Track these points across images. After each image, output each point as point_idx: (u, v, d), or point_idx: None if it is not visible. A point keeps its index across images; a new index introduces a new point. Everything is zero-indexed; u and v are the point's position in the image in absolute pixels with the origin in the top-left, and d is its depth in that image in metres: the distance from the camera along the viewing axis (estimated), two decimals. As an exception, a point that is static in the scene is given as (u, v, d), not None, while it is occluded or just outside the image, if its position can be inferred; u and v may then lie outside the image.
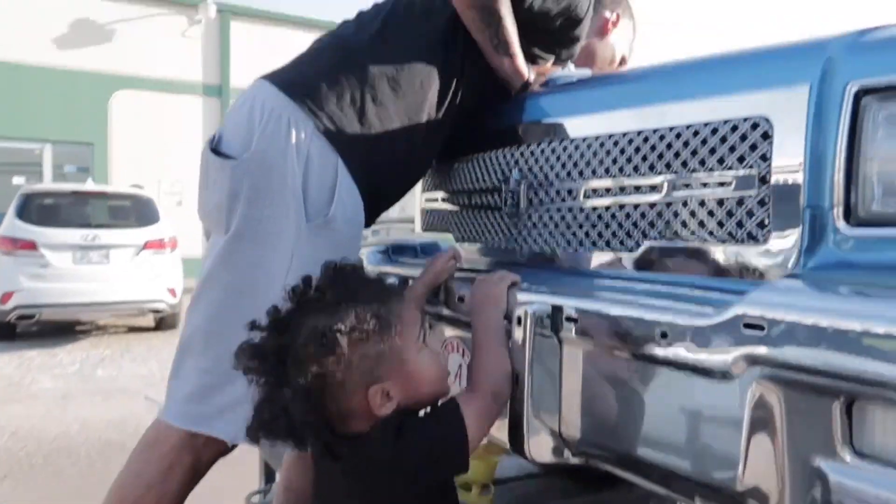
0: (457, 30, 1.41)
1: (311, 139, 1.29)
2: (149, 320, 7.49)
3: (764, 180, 0.97)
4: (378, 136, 1.34)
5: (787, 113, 0.95)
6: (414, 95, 1.37)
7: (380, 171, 1.37)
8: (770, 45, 1.09)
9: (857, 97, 0.89)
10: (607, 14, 1.85)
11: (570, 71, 1.46)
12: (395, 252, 1.84)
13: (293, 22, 13.14)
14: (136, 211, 7.38)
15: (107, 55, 11.81)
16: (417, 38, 1.40)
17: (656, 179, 1.10)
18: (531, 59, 1.47)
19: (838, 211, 0.91)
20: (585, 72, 1.42)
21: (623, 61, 1.94)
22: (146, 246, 6.97)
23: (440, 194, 1.66)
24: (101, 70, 11.77)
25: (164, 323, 7.40)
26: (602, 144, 1.19)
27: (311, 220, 1.29)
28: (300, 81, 1.33)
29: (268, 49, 12.74)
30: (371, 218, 1.44)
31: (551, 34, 1.47)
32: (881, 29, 0.95)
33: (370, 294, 1.05)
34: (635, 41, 2.00)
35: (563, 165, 1.26)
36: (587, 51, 1.73)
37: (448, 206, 1.63)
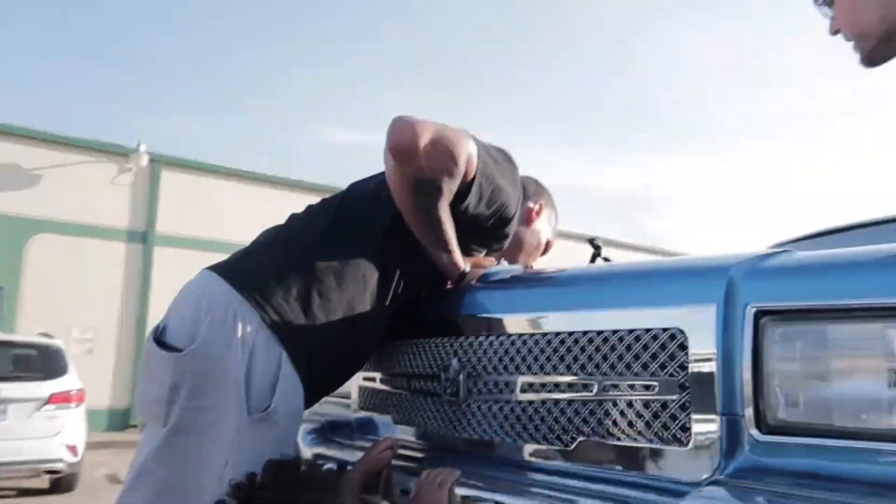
0: (400, 225, 1.51)
1: (257, 332, 1.32)
2: (44, 481, 6.82)
3: (683, 387, 1.07)
4: (322, 328, 1.39)
5: (698, 326, 1.07)
6: (356, 287, 1.44)
7: (322, 361, 1.40)
8: (683, 259, 1.24)
9: (757, 317, 1.02)
10: (531, 204, 2.02)
11: (504, 267, 1.58)
12: (330, 430, 1.83)
13: (223, 173, 13.32)
14: (43, 361, 6.94)
15: (29, 199, 11.59)
16: (363, 233, 1.50)
17: (586, 379, 1.19)
18: (466, 251, 1.59)
19: (749, 418, 1.00)
20: (517, 268, 1.54)
21: (548, 245, 2.10)
22: (50, 400, 6.50)
23: (379, 375, 1.69)
24: (20, 213, 11.50)
25: (60, 485, 6.77)
26: (536, 342, 1.28)
27: (252, 412, 1.29)
28: (247, 275, 1.39)
29: (197, 197, 12.85)
30: (310, 404, 1.46)
31: (484, 231, 1.61)
32: (775, 255, 1.11)
33: (309, 495, 1.09)
34: (557, 226, 2.18)
35: (500, 359, 1.33)
36: (515, 239, 1.87)
37: (386, 388, 1.66)
